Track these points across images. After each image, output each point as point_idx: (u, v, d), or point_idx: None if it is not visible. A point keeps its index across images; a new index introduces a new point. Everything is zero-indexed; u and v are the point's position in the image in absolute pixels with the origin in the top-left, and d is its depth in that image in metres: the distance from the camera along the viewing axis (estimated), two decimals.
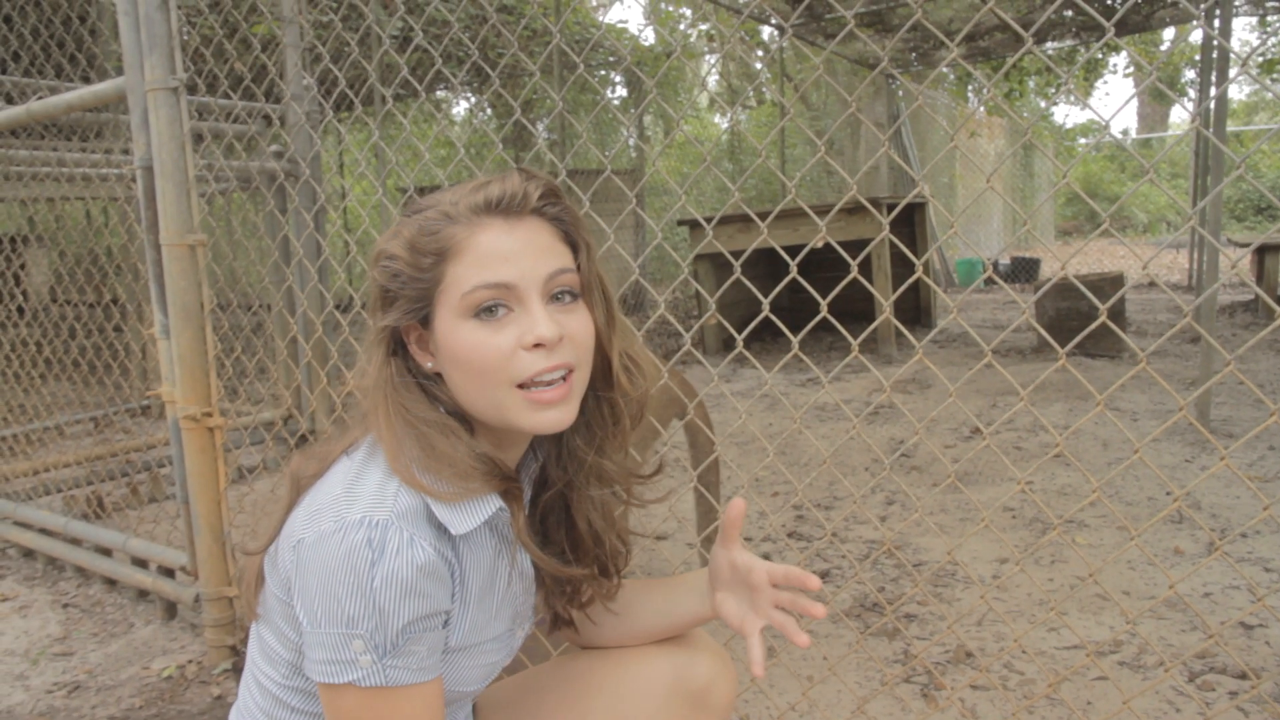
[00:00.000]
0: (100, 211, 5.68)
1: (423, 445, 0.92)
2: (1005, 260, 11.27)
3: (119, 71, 2.11)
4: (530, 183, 0.94)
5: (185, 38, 1.99)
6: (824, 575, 2.67)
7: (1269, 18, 8.11)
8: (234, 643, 2.26)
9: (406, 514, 0.89)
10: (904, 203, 1.73)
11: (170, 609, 2.56)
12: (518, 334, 0.90)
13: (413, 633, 0.88)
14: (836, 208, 1.45)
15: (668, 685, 1.15)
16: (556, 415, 0.93)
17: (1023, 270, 10.69)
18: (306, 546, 0.88)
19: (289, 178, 3.09)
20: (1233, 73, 1.19)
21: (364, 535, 0.85)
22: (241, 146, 3.34)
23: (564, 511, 1.09)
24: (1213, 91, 4.24)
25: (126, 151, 3.69)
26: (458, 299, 0.90)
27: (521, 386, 0.91)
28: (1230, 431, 3.97)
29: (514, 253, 0.91)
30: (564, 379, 0.93)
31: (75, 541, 2.85)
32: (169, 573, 2.52)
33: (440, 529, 0.92)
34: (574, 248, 0.97)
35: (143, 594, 2.65)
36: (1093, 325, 1.16)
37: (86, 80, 3.61)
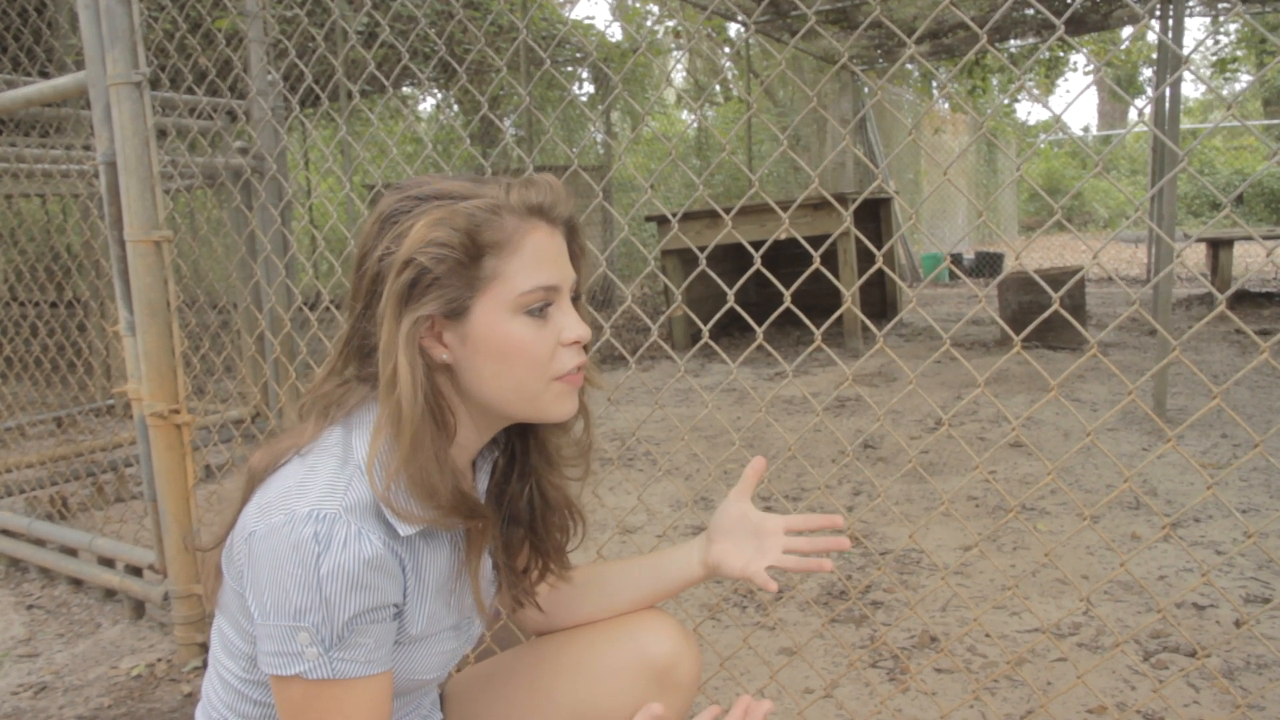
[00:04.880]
0: (60, 208, 5.58)
1: (415, 461, 0.92)
2: (970, 255, 11.43)
3: (78, 65, 2.09)
4: (567, 197, 1.01)
5: (147, 31, 1.96)
6: None
7: (1220, 18, 8.30)
8: (204, 640, 2.25)
9: (355, 508, 0.90)
10: (863, 196, 1.77)
11: (138, 608, 2.54)
12: (556, 331, 0.98)
13: (359, 625, 0.89)
14: (798, 202, 1.48)
15: (632, 665, 1.17)
16: (575, 403, 1.03)
17: (987, 265, 10.85)
18: (257, 539, 0.89)
19: (255, 174, 3.07)
20: (1177, 72, 1.24)
21: (311, 529, 0.87)
22: (206, 142, 3.31)
23: (536, 494, 1.13)
24: (1167, 91, 4.34)
25: (87, 147, 3.64)
26: (514, 295, 0.94)
27: (556, 379, 0.99)
28: (1185, 421, 4.08)
29: (557, 257, 0.99)
30: (578, 370, 1.02)
31: (39, 542, 2.81)
32: (137, 571, 2.50)
33: (390, 525, 0.94)
34: (574, 257, 1.05)
35: (110, 594, 2.63)
36: (1045, 314, 1.19)
37: (45, 74, 3.55)
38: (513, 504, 1.12)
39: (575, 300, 1.03)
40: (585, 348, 1.06)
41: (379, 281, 0.95)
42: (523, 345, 0.95)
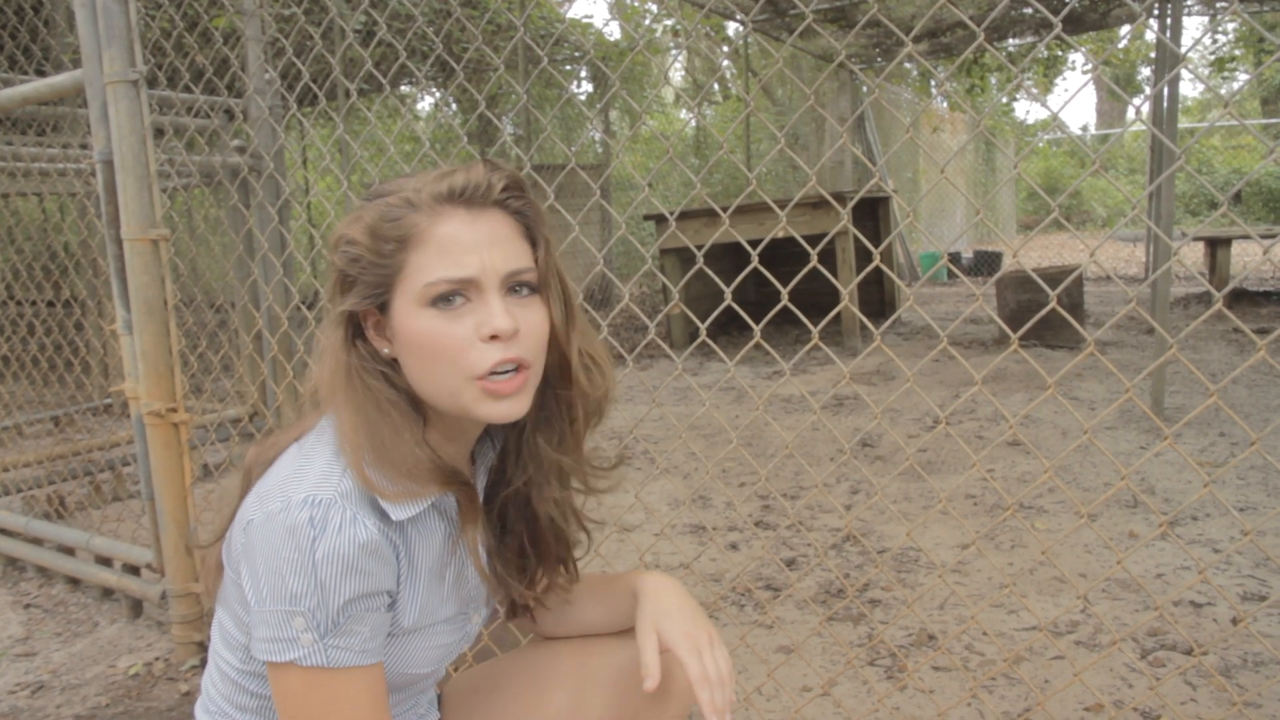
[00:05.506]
0: (57, 207, 5.58)
1: (374, 441, 0.93)
2: (968, 254, 11.43)
3: (75, 64, 2.09)
4: (494, 174, 0.95)
5: (144, 29, 1.96)
6: (790, 563, 2.71)
7: (1219, 17, 8.31)
8: (201, 639, 2.25)
9: (351, 494, 0.91)
10: (860, 194, 1.78)
11: (136, 607, 2.53)
12: (475, 324, 0.91)
13: (353, 611, 0.90)
14: (795, 200, 1.48)
15: (629, 672, 1.16)
16: (509, 406, 0.94)
17: (985, 264, 10.85)
18: (255, 527, 0.89)
19: (252, 172, 3.07)
20: (1174, 69, 1.24)
21: (307, 513, 0.88)
22: (204, 141, 3.30)
23: (525, 505, 1.09)
24: (1165, 89, 4.34)
25: (85, 146, 3.63)
26: (419, 288, 0.91)
27: (478, 378, 0.92)
28: (1183, 419, 4.08)
29: (475, 244, 0.92)
30: (517, 371, 0.93)
31: (37, 541, 2.81)
32: (134, 570, 2.50)
33: (383, 511, 0.94)
34: (533, 242, 0.98)
35: (107, 593, 2.63)
36: (1043, 312, 1.20)
37: (41, 73, 3.55)
38: (503, 509, 1.10)
39: (528, 289, 0.96)
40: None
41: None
42: (429, 339, 0.91)
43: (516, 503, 1.10)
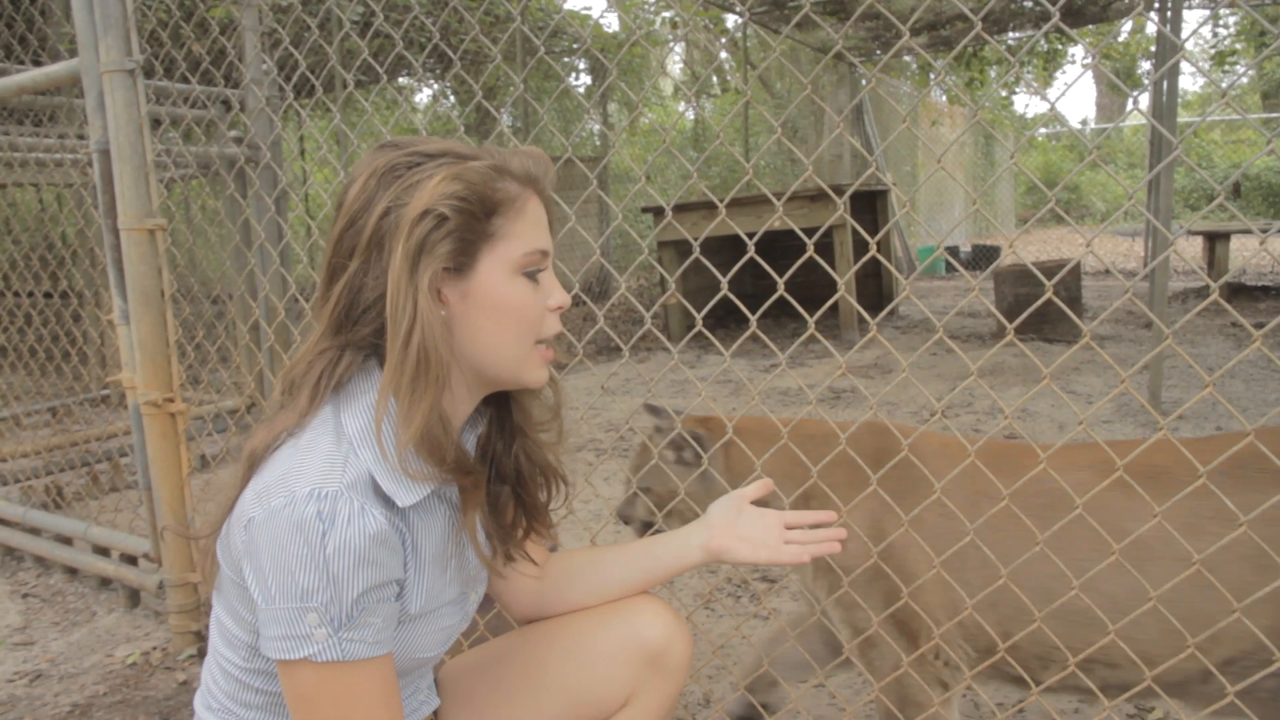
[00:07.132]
0: (55, 198, 5.57)
1: (425, 432, 0.93)
2: (966, 248, 11.44)
3: (72, 53, 2.08)
4: (551, 173, 1.04)
5: (141, 19, 1.96)
6: None
7: (1221, 11, 8.29)
8: (199, 628, 2.26)
9: (356, 484, 0.90)
10: (855, 185, 1.79)
11: (133, 596, 2.54)
12: (544, 296, 1.00)
13: (367, 603, 0.89)
14: (791, 191, 1.48)
15: (625, 648, 1.18)
16: (547, 373, 1.05)
17: (984, 257, 10.86)
18: (257, 525, 0.88)
19: (249, 163, 3.06)
20: (1173, 58, 1.24)
21: (314, 508, 0.86)
22: (201, 131, 3.30)
23: (521, 452, 1.15)
24: (1164, 81, 4.33)
25: (81, 136, 3.62)
26: (518, 254, 0.97)
27: (540, 343, 1.02)
28: (1180, 414, 4.09)
29: (546, 225, 1.02)
30: (557, 339, 1.05)
31: (34, 531, 2.81)
32: (132, 560, 2.51)
33: (388, 500, 0.93)
34: (550, 228, 1.07)
35: (105, 582, 2.63)
36: (1038, 303, 1.20)
37: (37, 62, 3.54)
38: (499, 464, 1.13)
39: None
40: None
41: (384, 235, 0.93)
42: (520, 305, 0.98)
43: (512, 454, 1.14)
